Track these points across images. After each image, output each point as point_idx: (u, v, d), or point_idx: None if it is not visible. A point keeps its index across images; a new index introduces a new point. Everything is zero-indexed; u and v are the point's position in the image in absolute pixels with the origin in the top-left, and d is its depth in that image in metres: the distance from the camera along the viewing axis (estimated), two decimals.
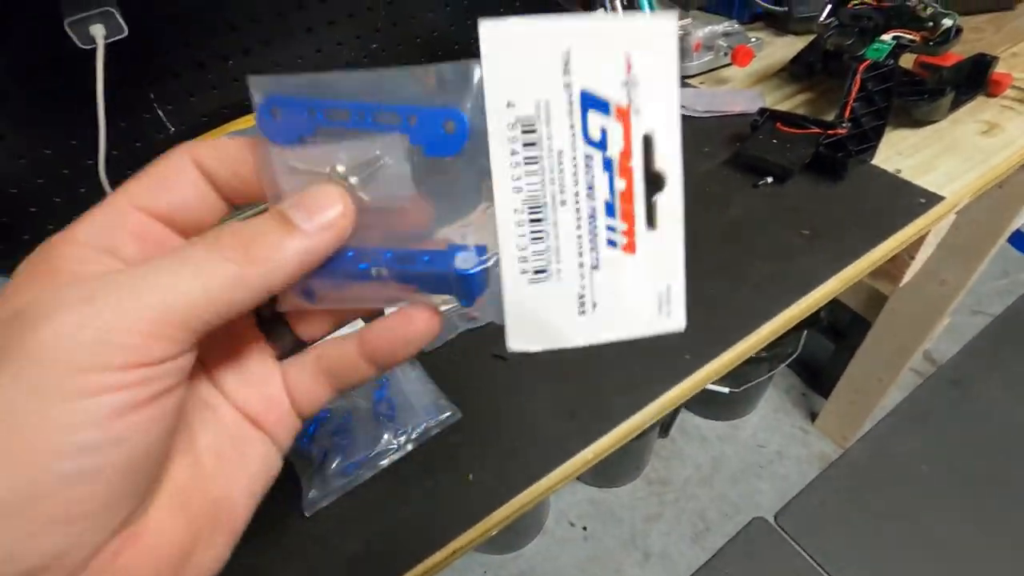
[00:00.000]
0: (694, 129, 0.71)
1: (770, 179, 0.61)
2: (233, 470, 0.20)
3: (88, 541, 0.15)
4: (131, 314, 0.15)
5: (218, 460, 0.19)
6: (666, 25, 0.17)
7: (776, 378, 1.58)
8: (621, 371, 0.48)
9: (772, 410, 1.54)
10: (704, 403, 1.52)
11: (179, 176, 0.19)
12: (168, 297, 0.15)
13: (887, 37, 0.62)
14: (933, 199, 0.57)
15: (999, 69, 0.70)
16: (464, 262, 0.19)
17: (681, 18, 0.72)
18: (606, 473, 1.44)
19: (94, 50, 0.53)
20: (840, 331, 1.45)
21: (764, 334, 0.50)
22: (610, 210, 0.18)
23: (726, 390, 1.37)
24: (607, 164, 0.18)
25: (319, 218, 0.17)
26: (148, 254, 0.18)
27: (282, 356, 0.22)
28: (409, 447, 0.45)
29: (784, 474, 1.42)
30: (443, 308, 0.21)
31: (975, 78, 0.66)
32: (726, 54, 0.78)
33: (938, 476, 1.35)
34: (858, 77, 0.61)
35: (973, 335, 1.60)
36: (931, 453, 1.39)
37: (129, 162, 0.69)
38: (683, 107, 0.73)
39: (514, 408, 0.48)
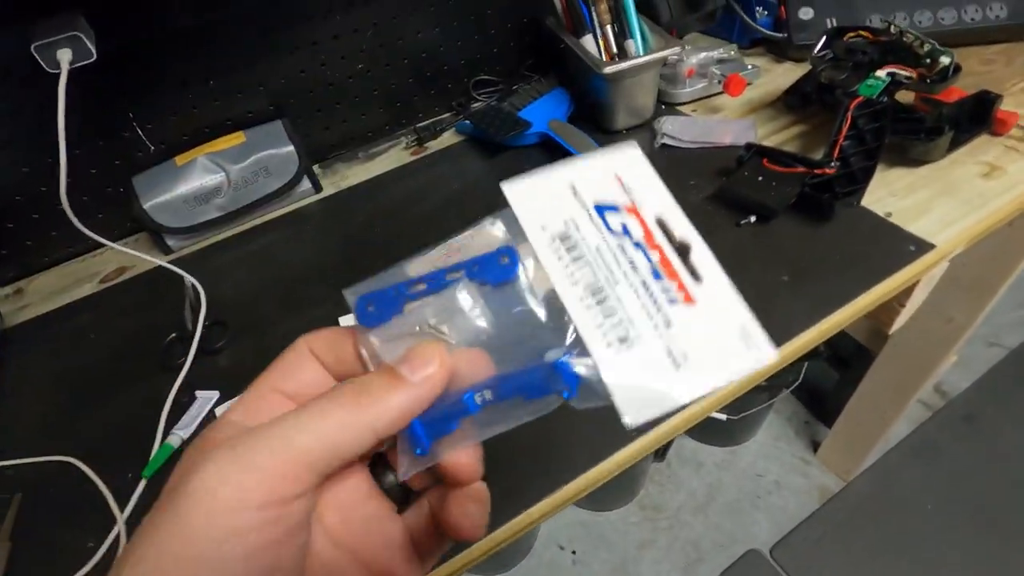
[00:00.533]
0: (680, 161, 0.69)
1: (753, 218, 0.59)
2: None
3: None
4: (264, 462, 0.18)
5: None
6: (634, 150, 0.24)
7: (778, 405, 1.54)
8: (590, 415, 0.46)
9: (773, 438, 1.50)
10: (702, 428, 1.49)
11: (300, 363, 0.22)
12: (291, 445, 0.18)
13: (882, 73, 0.59)
14: (923, 247, 0.54)
15: (1006, 106, 0.67)
16: (554, 354, 0.21)
17: (671, 45, 0.69)
18: (598, 496, 1.41)
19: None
20: (845, 360, 1.40)
21: (732, 387, 0.48)
22: (656, 275, 0.22)
23: (723, 417, 1.34)
24: (637, 245, 0.22)
25: (422, 371, 0.20)
26: None
27: (401, 508, 0.24)
28: None
29: (782, 506, 1.38)
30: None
31: (978, 116, 0.63)
32: (720, 82, 0.75)
33: (944, 515, 1.29)
34: (849, 114, 0.58)
35: (987, 368, 1.55)
36: (937, 491, 1.33)
37: (108, 179, 0.69)
38: (670, 137, 0.70)
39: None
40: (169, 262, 0.68)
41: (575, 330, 0.21)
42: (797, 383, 1.34)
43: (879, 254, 0.54)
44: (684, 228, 0.23)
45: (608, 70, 0.67)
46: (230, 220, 0.70)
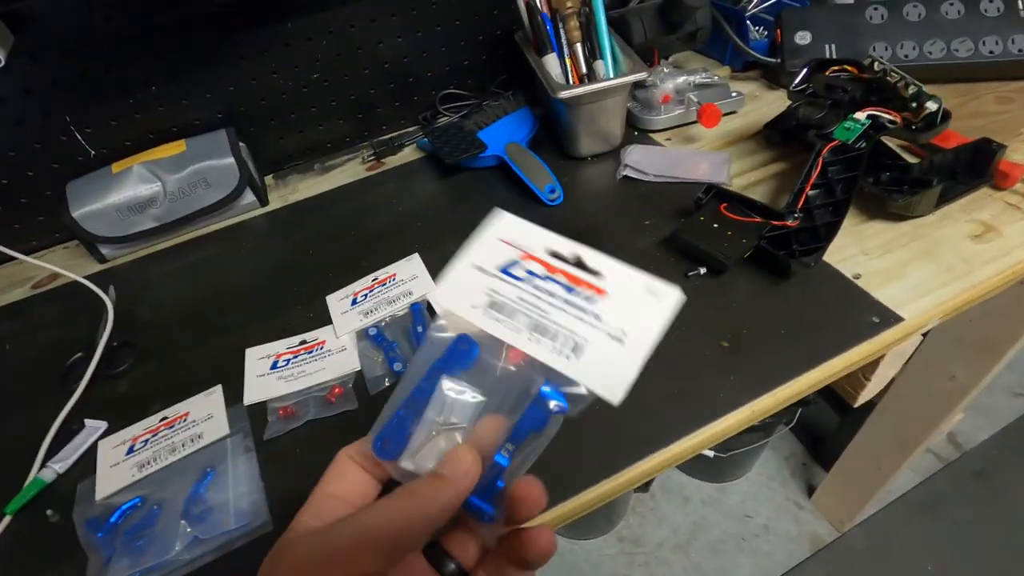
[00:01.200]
0: (642, 196, 0.63)
1: (703, 270, 0.53)
2: None
3: None
4: (345, 544, 0.23)
5: None
6: (501, 214, 0.30)
7: (776, 443, 1.45)
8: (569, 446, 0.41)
9: (766, 477, 1.42)
10: (692, 461, 1.42)
11: (343, 470, 0.28)
12: (364, 533, 0.24)
13: (861, 115, 0.52)
14: (888, 319, 0.47)
15: (1016, 155, 0.59)
16: (536, 387, 0.27)
17: (639, 68, 0.63)
18: (576, 523, 1.36)
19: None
20: (846, 403, 1.31)
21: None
22: (570, 291, 0.28)
23: (711, 453, 1.27)
24: (545, 278, 0.29)
25: (460, 467, 0.25)
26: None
27: None
28: (209, 558, 0.40)
29: (768, 551, 1.30)
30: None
31: (977, 166, 0.55)
32: (697, 109, 0.69)
33: None
34: (820, 160, 0.52)
35: (1009, 420, 1.43)
36: (939, 551, 1.24)
37: (46, 183, 0.67)
38: (633, 169, 0.65)
39: None
40: (98, 272, 0.66)
41: (540, 362, 0.27)
42: (791, 424, 1.26)
43: (837, 324, 0.48)
44: (571, 247, 0.29)
45: (564, 94, 0.61)
46: (166, 231, 0.67)
